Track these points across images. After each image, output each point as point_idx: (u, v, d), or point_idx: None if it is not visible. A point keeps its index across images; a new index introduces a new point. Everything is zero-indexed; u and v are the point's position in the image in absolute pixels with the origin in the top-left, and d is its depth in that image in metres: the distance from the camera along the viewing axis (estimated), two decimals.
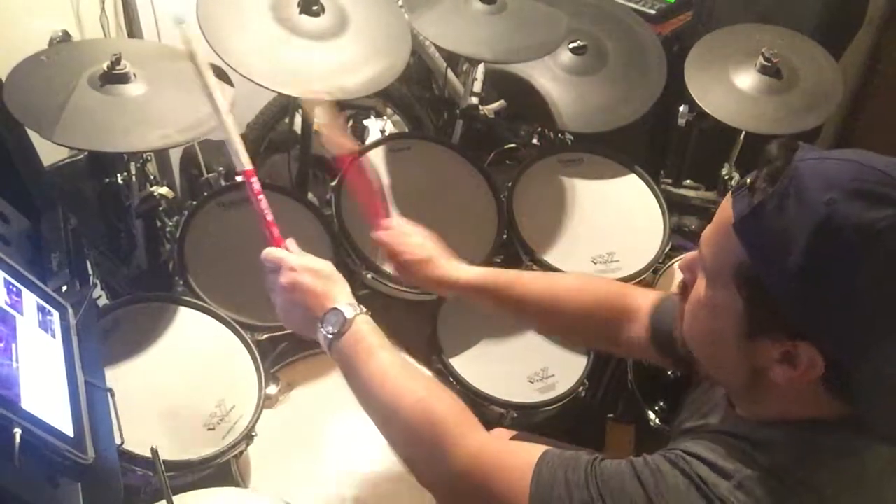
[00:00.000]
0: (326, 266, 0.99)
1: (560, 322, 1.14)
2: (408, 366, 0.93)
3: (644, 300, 1.05)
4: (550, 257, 1.64)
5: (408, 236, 1.19)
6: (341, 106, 2.34)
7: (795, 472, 0.68)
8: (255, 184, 1.04)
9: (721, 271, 0.70)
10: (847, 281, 0.62)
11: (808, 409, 0.71)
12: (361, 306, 0.96)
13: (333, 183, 1.61)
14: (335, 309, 0.93)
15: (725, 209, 0.71)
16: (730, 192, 0.71)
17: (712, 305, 0.73)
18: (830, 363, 0.65)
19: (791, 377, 0.67)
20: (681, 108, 1.92)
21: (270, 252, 1.00)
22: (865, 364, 0.64)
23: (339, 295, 0.96)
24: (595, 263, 1.66)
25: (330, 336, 0.92)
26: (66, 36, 1.77)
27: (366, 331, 0.93)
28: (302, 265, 0.97)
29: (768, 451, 0.71)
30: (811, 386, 0.68)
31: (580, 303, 1.09)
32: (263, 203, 1.04)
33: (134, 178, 1.48)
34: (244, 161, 1.03)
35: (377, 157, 1.70)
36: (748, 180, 0.69)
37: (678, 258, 1.67)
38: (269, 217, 1.04)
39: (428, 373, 1.52)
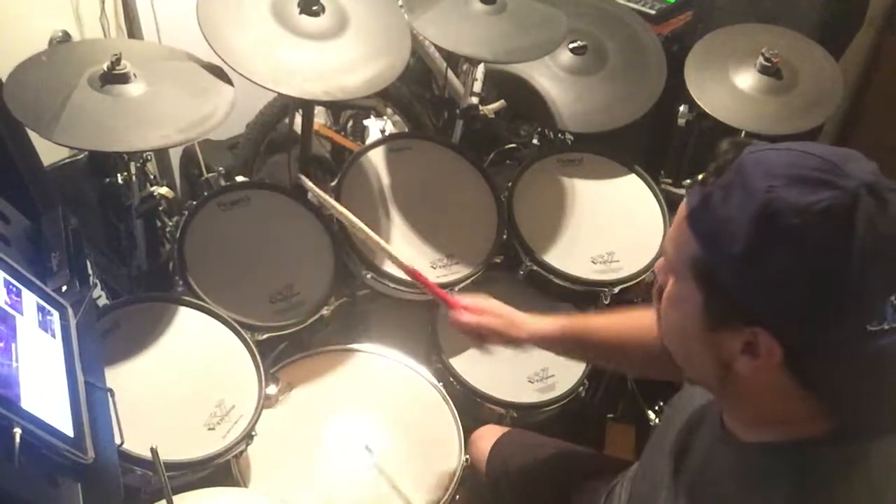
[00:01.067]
0: (498, 305, 1.21)
1: (633, 365, 1.21)
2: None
3: None
4: (550, 257, 1.64)
5: (483, 310, 1.23)
6: (341, 106, 2.35)
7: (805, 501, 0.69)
8: (423, 276, 1.30)
9: (681, 266, 0.72)
10: (788, 263, 0.63)
11: (791, 410, 0.71)
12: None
13: (333, 183, 1.61)
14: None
15: (682, 206, 0.73)
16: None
17: (678, 301, 0.75)
18: (787, 348, 0.66)
19: (754, 367, 0.68)
20: (681, 108, 1.92)
21: (457, 323, 1.23)
22: (819, 346, 0.65)
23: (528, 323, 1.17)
24: (595, 263, 1.66)
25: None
26: (66, 36, 1.77)
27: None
28: (481, 312, 1.20)
29: (770, 488, 0.71)
30: (778, 378, 0.68)
31: (645, 344, 1.08)
32: (436, 287, 1.30)
33: (134, 178, 1.48)
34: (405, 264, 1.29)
35: (377, 157, 1.70)
36: (699, 177, 0.72)
37: None
38: (443, 292, 1.28)
39: (427, 372, 1.52)
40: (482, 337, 1.22)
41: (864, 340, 0.63)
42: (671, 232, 0.75)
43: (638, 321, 1.11)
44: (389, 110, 2.25)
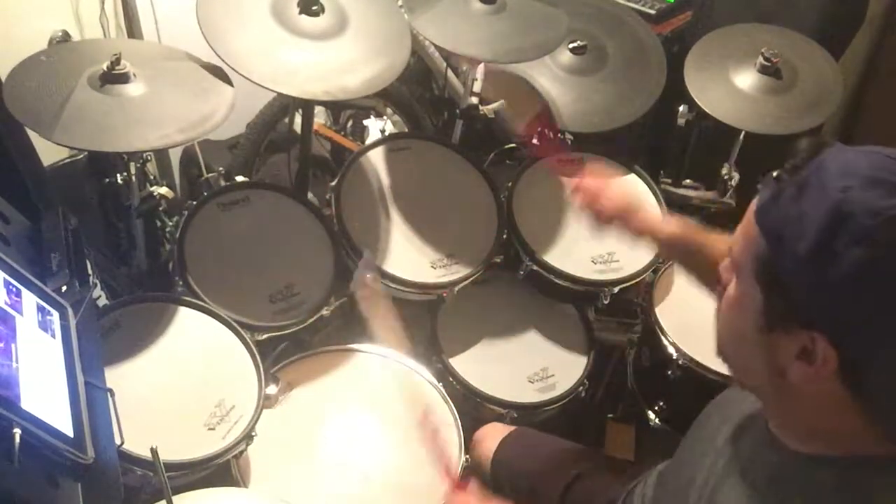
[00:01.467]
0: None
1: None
2: None
3: None
4: (550, 257, 1.64)
5: (606, 191, 1.21)
6: (341, 106, 2.35)
7: None
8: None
9: (745, 263, 0.71)
10: (857, 267, 0.61)
11: (840, 426, 0.70)
12: None
13: (333, 183, 1.61)
14: None
15: (753, 203, 0.71)
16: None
17: (738, 300, 0.73)
18: (843, 357, 0.64)
19: (808, 373, 0.67)
20: (681, 108, 1.92)
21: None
22: (876, 357, 0.63)
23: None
24: (595, 263, 1.66)
25: None
26: (65, 36, 1.77)
27: None
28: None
29: (812, 500, 0.71)
30: (831, 388, 0.67)
31: None
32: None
33: (134, 178, 1.48)
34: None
35: (377, 157, 1.70)
36: (775, 173, 0.69)
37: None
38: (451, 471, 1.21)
39: (427, 372, 1.52)
40: (602, 210, 1.20)
41: None
42: (738, 229, 0.73)
43: None
44: (389, 110, 2.25)
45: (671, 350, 1.59)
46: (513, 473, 1.31)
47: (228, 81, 1.43)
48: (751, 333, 0.71)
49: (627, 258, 1.67)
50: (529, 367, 1.62)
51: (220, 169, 1.92)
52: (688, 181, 2.09)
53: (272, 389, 1.40)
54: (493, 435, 1.38)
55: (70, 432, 0.84)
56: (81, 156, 1.88)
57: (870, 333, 0.63)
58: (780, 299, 0.67)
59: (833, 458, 0.72)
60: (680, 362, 1.57)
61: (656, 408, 1.76)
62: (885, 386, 0.65)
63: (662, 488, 1.04)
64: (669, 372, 1.61)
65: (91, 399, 0.94)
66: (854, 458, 0.70)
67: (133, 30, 1.92)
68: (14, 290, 0.92)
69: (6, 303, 0.88)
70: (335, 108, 2.37)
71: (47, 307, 0.98)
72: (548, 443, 1.35)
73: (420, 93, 2.34)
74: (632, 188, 1.21)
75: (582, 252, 1.67)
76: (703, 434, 0.92)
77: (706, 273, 1.11)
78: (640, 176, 1.81)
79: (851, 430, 0.69)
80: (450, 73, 2.08)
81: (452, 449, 1.36)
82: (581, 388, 1.64)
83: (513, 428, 1.41)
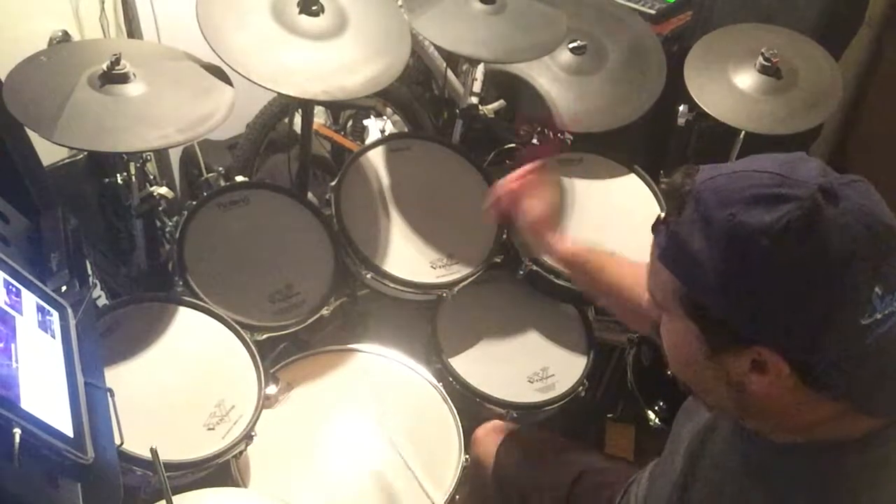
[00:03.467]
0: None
1: (617, 306, 1.19)
2: None
3: None
4: (550, 257, 1.64)
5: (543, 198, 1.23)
6: (341, 106, 2.35)
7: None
8: None
9: (669, 301, 0.73)
10: (769, 284, 0.64)
11: (814, 417, 0.71)
12: None
13: (333, 183, 1.61)
14: None
15: (652, 246, 0.75)
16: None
17: (675, 335, 0.76)
18: (792, 361, 0.66)
19: (766, 383, 0.69)
20: (680, 108, 1.91)
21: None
22: (821, 352, 0.65)
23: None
24: None
25: None
26: (65, 36, 1.77)
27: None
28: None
29: (790, 487, 0.72)
30: (792, 389, 0.69)
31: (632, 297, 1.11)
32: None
33: (134, 178, 1.48)
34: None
35: (377, 157, 1.70)
36: (661, 214, 0.73)
37: None
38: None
39: (427, 372, 1.52)
40: (513, 211, 1.23)
41: (861, 335, 0.64)
42: (648, 269, 0.76)
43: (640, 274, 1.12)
44: (389, 110, 2.25)
45: None
46: (515, 472, 1.31)
47: (228, 81, 1.43)
48: (699, 360, 0.73)
49: (627, 258, 1.66)
50: (529, 367, 1.62)
51: (220, 169, 1.93)
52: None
53: (272, 389, 1.40)
54: (493, 433, 1.38)
55: (70, 432, 0.84)
56: (81, 156, 1.88)
57: (805, 335, 0.65)
58: (715, 327, 0.69)
59: (805, 445, 0.73)
60: None
61: (656, 408, 1.76)
62: (837, 372, 0.66)
63: (651, 486, 1.04)
64: (669, 372, 1.60)
65: (91, 399, 0.94)
66: (826, 443, 0.72)
67: (133, 30, 1.92)
68: (14, 290, 0.92)
69: (6, 303, 0.88)
70: (335, 108, 2.37)
71: (47, 307, 0.98)
72: (549, 441, 1.35)
73: (420, 93, 2.34)
74: (552, 218, 1.23)
75: None
76: (682, 430, 0.94)
77: (604, 294, 1.19)
78: (640, 176, 1.81)
79: (823, 418, 0.71)
80: (450, 73, 2.08)
81: None
82: (581, 388, 1.64)
83: (513, 426, 1.41)
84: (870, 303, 0.63)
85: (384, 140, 1.73)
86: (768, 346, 0.66)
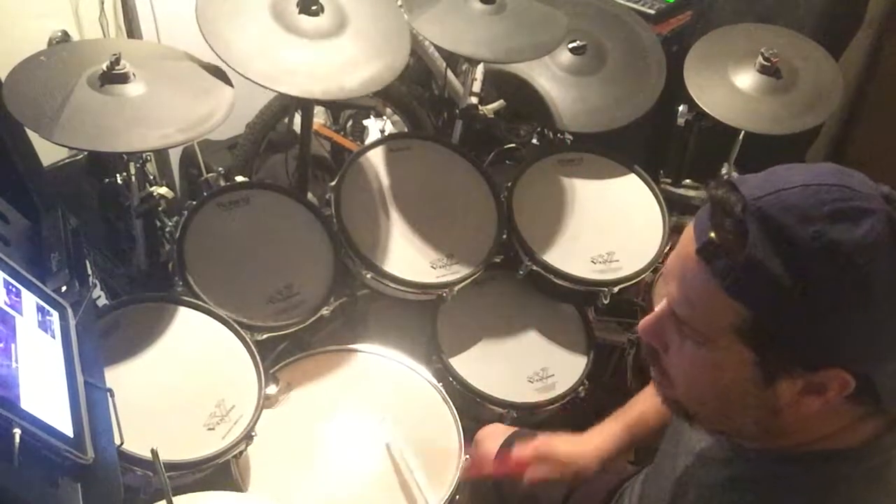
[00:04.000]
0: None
1: None
2: None
3: None
4: (550, 257, 1.64)
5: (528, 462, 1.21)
6: (341, 106, 2.35)
7: None
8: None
9: (716, 331, 0.68)
10: (863, 297, 0.62)
11: (829, 429, 0.71)
12: None
13: (333, 183, 1.61)
14: None
15: (695, 270, 0.68)
16: (694, 251, 0.68)
17: (715, 365, 0.71)
18: (861, 378, 0.65)
19: (821, 402, 0.67)
20: (680, 108, 1.92)
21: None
22: (888, 364, 0.65)
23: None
24: (595, 263, 1.66)
25: None
26: (65, 36, 1.77)
27: None
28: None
29: (788, 498, 0.71)
30: (841, 405, 0.67)
31: None
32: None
33: (133, 178, 1.48)
34: None
35: (377, 157, 1.70)
36: (712, 235, 0.66)
37: None
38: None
39: (427, 372, 1.52)
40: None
41: None
42: (687, 297, 0.70)
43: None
44: (389, 110, 2.25)
45: None
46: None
47: (228, 81, 1.43)
48: (743, 391, 0.70)
49: (627, 258, 1.67)
50: (529, 367, 1.62)
51: (220, 169, 1.92)
52: (688, 181, 2.09)
53: (272, 389, 1.40)
54: (493, 436, 1.38)
55: (70, 432, 0.84)
56: (81, 156, 1.88)
57: (881, 347, 0.64)
58: (779, 355, 0.66)
59: (801, 456, 0.72)
60: None
61: None
62: (890, 380, 0.66)
63: (644, 489, 1.04)
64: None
65: (91, 399, 0.94)
66: (823, 453, 0.71)
67: (132, 30, 1.93)
68: (14, 290, 0.92)
69: (6, 303, 0.88)
70: (335, 108, 2.37)
71: (47, 307, 0.98)
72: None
73: (420, 93, 2.35)
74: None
75: (582, 252, 1.67)
76: (675, 436, 0.93)
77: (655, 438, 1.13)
78: (639, 176, 1.81)
79: (834, 430, 0.70)
80: (450, 73, 2.08)
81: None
82: (581, 388, 1.64)
83: (513, 429, 1.41)
84: None
85: (384, 140, 1.73)
86: (842, 365, 0.64)
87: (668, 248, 1.69)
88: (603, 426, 1.21)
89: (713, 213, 0.67)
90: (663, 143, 2.17)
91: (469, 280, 1.60)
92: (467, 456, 1.39)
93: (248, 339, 1.37)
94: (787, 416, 0.69)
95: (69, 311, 1.02)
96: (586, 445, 1.18)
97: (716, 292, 0.66)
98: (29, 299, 0.94)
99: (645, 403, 1.18)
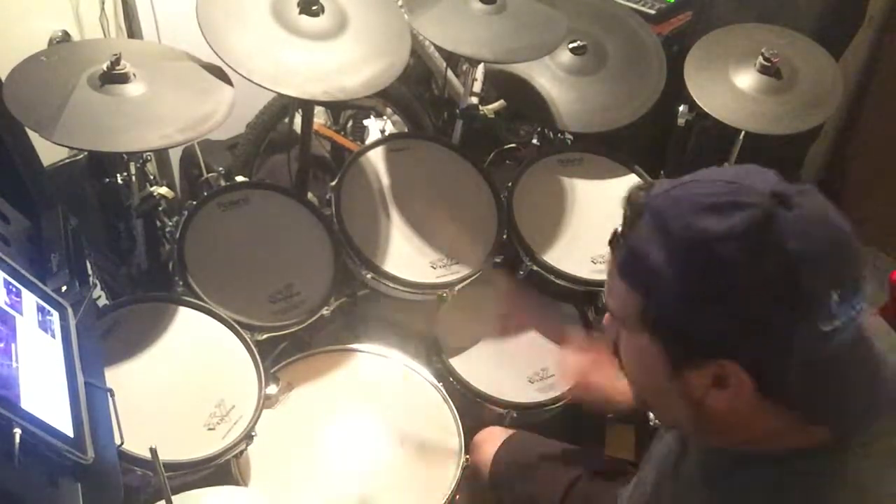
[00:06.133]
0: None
1: None
2: None
3: None
4: (550, 257, 1.64)
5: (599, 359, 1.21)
6: (341, 106, 2.35)
7: None
8: None
9: (628, 319, 0.72)
10: (732, 291, 0.63)
11: (769, 430, 0.71)
12: None
13: (333, 183, 1.61)
14: None
15: (609, 261, 0.75)
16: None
17: (635, 353, 0.75)
18: (755, 373, 0.66)
19: (728, 397, 0.68)
20: (680, 108, 1.92)
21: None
22: (784, 363, 0.65)
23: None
24: (595, 263, 1.66)
25: None
26: (65, 36, 1.77)
27: None
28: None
29: (744, 497, 0.72)
30: (751, 403, 0.68)
31: None
32: None
33: (134, 178, 1.48)
34: None
35: (377, 157, 1.70)
36: (617, 229, 0.73)
37: None
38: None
39: (427, 372, 1.52)
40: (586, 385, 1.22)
41: (822, 343, 0.64)
42: (607, 287, 0.76)
43: None
44: (389, 110, 2.25)
45: None
46: (512, 477, 1.31)
47: (228, 81, 1.43)
48: (660, 378, 0.72)
49: None
50: (529, 367, 1.62)
51: (220, 169, 1.93)
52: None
53: (272, 389, 1.40)
54: (492, 439, 1.38)
55: (70, 432, 0.84)
56: (81, 156, 1.88)
57: (769, 345, 0.64)
58: (678, 342, 0.69)
59: (761, 454, 0.73)
60: None
61: None
62: (798, 382, 0.66)
63: (635, 491, 1.04)
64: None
65: (91, 399, 0.94)
66: (787, 452, 0.71)
67: (133, 30, 1.92)
68: (14, 290, 0.92)
69: (6, 303, 0.88)
70: (335, 108, 2.37)
71: (47, 307, 0.98)
72: (547, 446, 1.35)
73: (420, 93, 2.35)
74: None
75: (582, 252, 1.67)
76: (657, 442, 0.94)
77: None
78: (640, 176, 1.81)
79: (776, 430, 0.71)
80: (450, 73, 2.08)
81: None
82: None
83: (512, 431, 1.41)
84: (829, 309, 0.63)
85: (384, 140, 1.73)
86: (731, 357, 0.65)
87: None
88: None
89: (624, 208, 0.73)
90: (663, 143, 2.18)
91: (469, 280, 1.60)
92: (467, 456, 1.39)
93: (248, 339, 1.37)
94: (709, 411, 0.70)
95: (69, 311, 1.02)
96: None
97: (618, 279, 0.72)
98: (29, 299, 0.94)
99: None
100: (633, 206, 0.71)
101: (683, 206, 0.67)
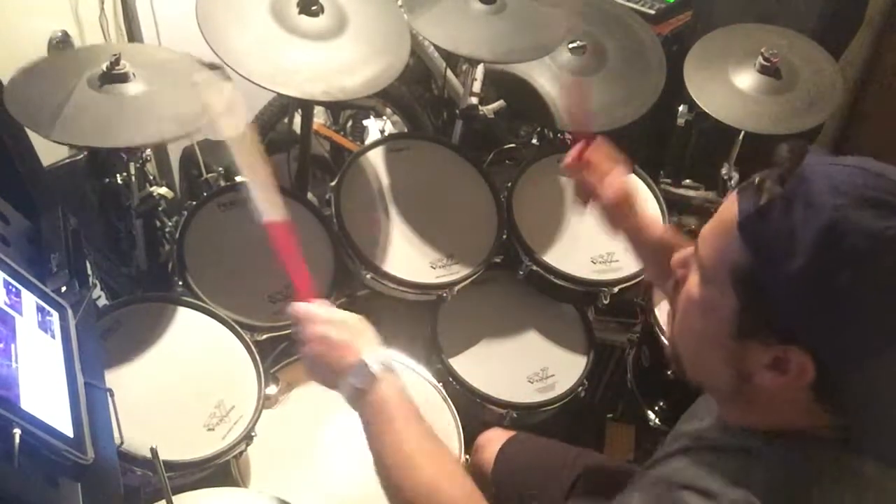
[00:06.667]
0: (354, 318, 0.99)
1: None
2: (427, 441, 0.90)
3: None
4: (550, 257, 1.64)
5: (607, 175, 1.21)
6: (341, 106, 2.35)
7: (786, 492, 0.68)
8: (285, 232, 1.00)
9: (718, 269, 0.69)
10: (850, 288, 0.61)
11: (798, 419, 0.70)
12: (389, 360, 0.93)
13: (333, 183, 1.61)
14: (363, 363, 0.91)
15: (728, 207, 0.70)
16: (734, 189, 0.70)
17: (704, 303, 0.72)
18: (822, 371, 0.64)
19: (779, 383, 0.67)
20: (680, 108, 1.92)
21: (297, 306, 0.99)
22: (858, 375, 0.64)
23: (368, 349, 0.94)
24: (595, 263, 1.66)
25: (356, 388, 0.91)
26: (65, 36, 1.77)
27: (390, 396, 0.90)
28: (330, 318, 0.97)
29: (759, 468, 0.70)
30: (800, 394, 0.67)
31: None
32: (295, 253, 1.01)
33: (133, 178, 1.48)
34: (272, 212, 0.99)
35: (377, 157, 1.70)
36: (756, 179, 0.68)
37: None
38: (301, 270, 1.02)
39: (427, 372, 1.52)
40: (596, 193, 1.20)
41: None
42: (709, 230, 0.72)
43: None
44: (389, 110, 2.25)
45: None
46: (514, 478, 1.31)
47: (228, 81, 1.43)
48: (718, 337, 0.70)
49: (627, 258, 1.67)
50: (529, 367, 1.62)
51: (220, 169, 1.92)
52: (688, 181, 2.09)
53: (272, 389, 1.40)
54: (494, 440, 1.38)
55: (70, 432, 0.84)
56: (81, 156, 1.88)
57: (856, 349, 0.63)
58: (760, 311, 0.66)
59: (777, 432, 0.72)
60: None
61: (656, 408, 1.76)
62: (858, 392, 0.65)
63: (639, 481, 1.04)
64: (669, 372, 1.61)
65: (91, 399, 0.94)
66: (801, 433, 0.70)
67: (132, 30, 1.92)
68: (14, 290, 0.92)
69: (6, 303, 0.88)
70: (335, 108, 2.37)
71: (47, 307, 0.98)
72: (547, 446, 1.35)
73: (420, 93, 2.35)
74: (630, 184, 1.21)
75: (582, 252, 1.67)
76: (671, 440, 0.93)
77: (640, 248, 1.17)
78: (640, 176, 1.81)
79: (807, 422, 0.70)
80: (449, 73, 2.08)
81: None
82: (581, 388, 1.64)
83: (512, 433, 1.41)
84: None
85: (384, 140, 1.73)
86: (808, 348, 0.64)
87: None
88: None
89: (773, 163, 0.68)
90: (663, 143, 2.17)
91: (469, 280, 1.60)
92: (467, 456, 1.39)
93: (248, 339, 1.37)
94: (754, 386, 0.69)
95: (69, 311, 1.02)
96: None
97: (731, 227, 0.67)
98: (29, 299, 0.94)
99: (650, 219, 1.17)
100: (783, 165, 0.66)
101: (840, 186, 0.62)
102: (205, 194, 1.56)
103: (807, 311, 0.63)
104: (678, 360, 0.80)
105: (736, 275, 0.67)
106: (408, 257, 1.58)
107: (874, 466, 0.69)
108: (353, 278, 1.63)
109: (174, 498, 1.05)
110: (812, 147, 0.68)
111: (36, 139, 1.24)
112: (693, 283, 0.74)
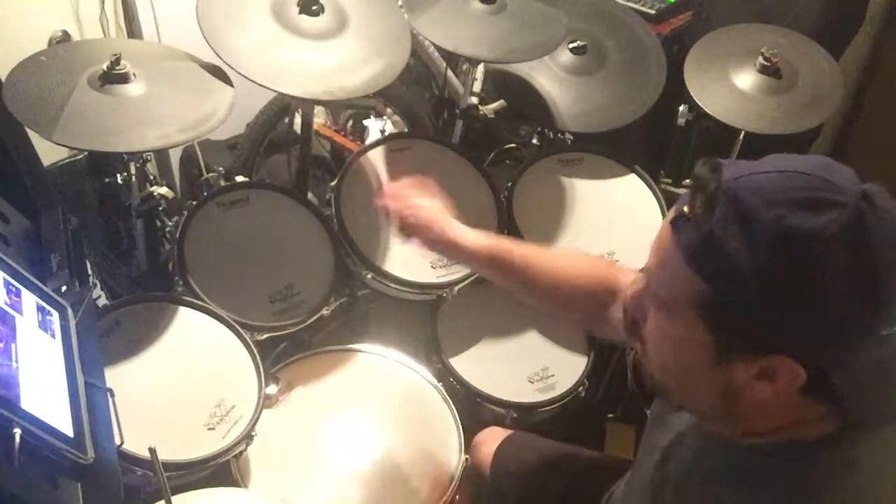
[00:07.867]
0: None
1: (557, 302, 1.14)
2: None
3: (625, 279, 1.03)
4: None
5: (413, 198, 1.18)
6: (341, 106, 2.35)
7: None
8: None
9: (678, 302, 0.69)
10: (812, 289, 0.62)
11: (794, 420, 0.71)
12: None
13: (333, 183, 1.61)
14: None
15: (666, 240, 0.70)
16: (667, 222, 0.70)
17: (675, 338, 0.72)
18: (811, 370, 0.64)
19: (773, 391, 0.67)
20: (680, 108, 1.92)
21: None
22: (846, 364, 0.64)
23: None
24: None
25: None
26: (65, 36, 1.77)
27: None
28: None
29: (763, 489, 0.71)
30: (791, 396, 0.67)
31: (577, 284, 1.09)
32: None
33: (134, 178, 1.48)
34: None
35: (377, 157, 1.70)
36: (685, 209, 0.68)
37: None
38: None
39: (427, 372, 1.52)
40: (408, 224, 1.17)
41: (879, 346, 0.63)
42: (656, 266, 0.72)
43: (586, 269, 1.09)
44: (389, 110, 2.25)
45: None
46: (512, 477, 1.31)
47: (228, 81, 1.43)
48: (699, 367, 0.70)
49: (627, 258, 1.66)
50: (529, 367, 1.62)
51: (220, 169, 1.93)
52: (688, 181, 2.09)
53: (272, 389, 1.40)
54: (492, 439, 1.38)
55: (70, 432, 0.84)
56: (81, 156, 1.88)
57: (837, 344, 0.63)
58: (732, 334, 0.66)
59: (781, 447, 0.72)
60: None
61: None
62: (848, 381, 0.65)
63: (628, 488, 1.04)
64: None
65: (91, 399, 0.94)
66: (801, 443, 0.71)
67: (133, 30, 1.92)
68: (14, 290, 0.92)
69: (6, 303, 0.88)
70: (335, 108, 2.37)
71: (47, 307, 0.98)
72: (547, 446, 1.35)
73: (420, 93, 2.35)
74: (439, 203, 1.20)
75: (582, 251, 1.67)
76: (651, 436, 0.93)
77: (531, 289, 1.13)
78: (640, 176, 1.81)
79: (800, 420, 0.70)
80: (450, 73, 2.08)
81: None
82: (581, 388, 1.64)
83: (511, 431, 1.41)
84: (893, 314, 0.62)
85: (384, 140, 1.73)
86: (791, 354, 0.64)
87: None
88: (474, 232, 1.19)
89: (692, 188, 0.69)
90: (663, 143, 2.17)
91: (469, 280, 1.60)
92: (467, 456, 1.39)
93: (248, 339, 1.37)
94: (744, 401, 0.69)
95: (69, 311, 1.02)
96: (455, 224, 1.19)
97: (679, 263, 0.67)
98: (29, 299, 0.94)
99: (533, 252, 1.15)
100: (706, 189, 0.66)
101: (772, 196, 0.63)
102: (205, 194, 1.56)
103: (779, 322, 0.63)
104: (666, 392, 0.80)
105: (699, 305, 0.67)
106: (408, 257, 1.58)
107: (867, 448, 0.70)
108: (353, 278, 1.63)
109: (174, 498, 1.05)
110: (722, 161, 0.69)
111: (36, 139, 1.24)
112: (657, 319, 0.74)
